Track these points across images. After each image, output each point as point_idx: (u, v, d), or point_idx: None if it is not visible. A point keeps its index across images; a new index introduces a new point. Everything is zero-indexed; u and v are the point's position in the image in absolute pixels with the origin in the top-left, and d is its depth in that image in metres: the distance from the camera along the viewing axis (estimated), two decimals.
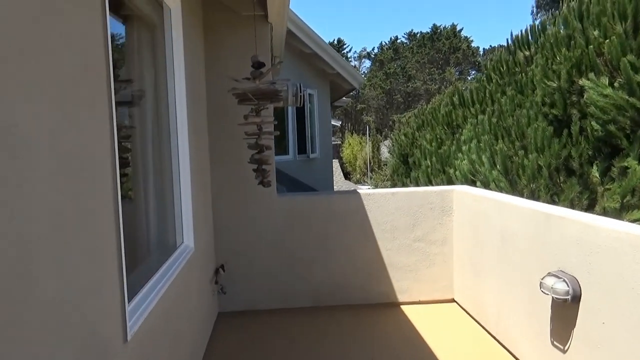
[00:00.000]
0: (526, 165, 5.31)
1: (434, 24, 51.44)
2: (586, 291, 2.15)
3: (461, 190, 3.50)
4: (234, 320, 4.15)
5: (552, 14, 7.48)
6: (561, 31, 5.81)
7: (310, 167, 10.85)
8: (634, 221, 4.29)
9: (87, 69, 1.59)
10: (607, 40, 4.76)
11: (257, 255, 4.34)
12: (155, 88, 3.00)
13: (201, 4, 4.45)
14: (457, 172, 6.37)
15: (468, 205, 3.37)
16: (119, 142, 1.91)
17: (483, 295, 3.23)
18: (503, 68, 7.70)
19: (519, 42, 7.65)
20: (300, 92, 6.18)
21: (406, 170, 10.92)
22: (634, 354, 1.88)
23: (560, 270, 2.28)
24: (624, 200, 4.37)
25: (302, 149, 10.85)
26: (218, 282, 4.51)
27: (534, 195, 5.50)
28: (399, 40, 55.50)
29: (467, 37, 52.08)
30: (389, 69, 52.23)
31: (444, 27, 51.35)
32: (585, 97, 4.81)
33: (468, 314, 3.53)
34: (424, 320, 3.53)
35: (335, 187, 21.76)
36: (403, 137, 12.15)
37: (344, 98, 13.43)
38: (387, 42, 55.74)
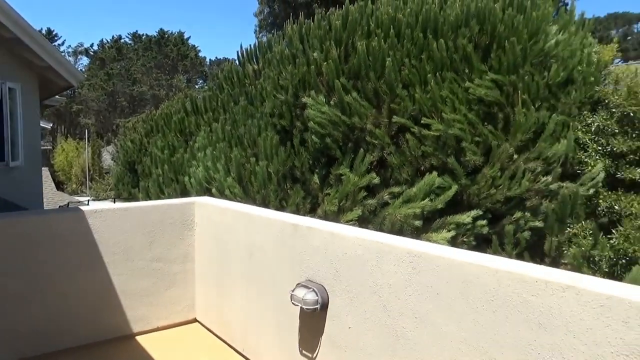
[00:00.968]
0: (257, 172, 5.49)
1: (162, 29, 50.18)
2: (333, 298, 2.23)
3: (203, 202, 3.30)
4: None
5: (275, 34, 8.08)
6: (286, 50, 6.26)
7: (11, 178, 8.87)
8: (348, 222, 4.90)
9: None
10: (325, 63, 5.33)
11: None
12: None
13: None
14: (192, 180, 6.15)
15: (211, 217, 3.19)
16: None
17: (229, 312, 3.10)
18: (234, 79, 7.90)
19: (248, 56, 7.98)
20: None
21: (133, 179, 10.10)
22: (377, 355, 2.03)
23: (309, 280, 2.33)
24: (341, 204, 4.94)
25: None
26: None
27: (265, 201, 5.74)
28: (122, 40, 51.91)
29: (194, 45, 52.63)
30: (112, 69, 48.28)
31: (172, 33, 50.63)
32: (305, 112, 5.27)
33: (213, 333, 3.34)
34: (163, 348, 3.18)
35: (45, 201, 18.63)
36: (130, 144, 11.22)
37: (57, 97, 11.57)
38: (109, 41, 51.44)
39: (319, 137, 5.41)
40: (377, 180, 4.97)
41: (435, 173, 4.61)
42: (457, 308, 1.70)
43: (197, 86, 49.05)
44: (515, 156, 5.00)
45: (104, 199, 21.42)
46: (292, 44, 6.19)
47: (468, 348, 1.67)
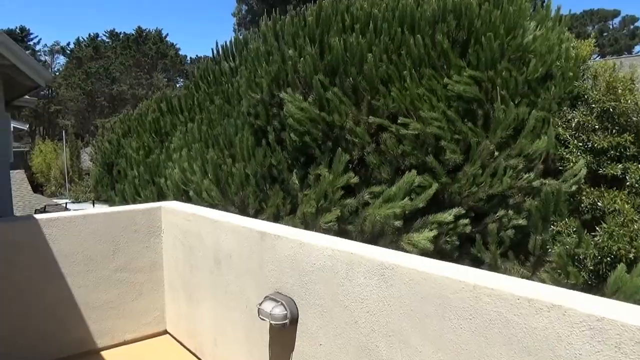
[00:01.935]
0: (235, 174, 5.31)
1: (139, 27, 49.29)
2: (303, 312, 2.08)
3: (171, 207, 3.12)
4: None
5: (253, 31, 7.88)
6: (261, 47, 6.08)
7: None
8: (327, 223, 4.76)
9: None
10: (302, 59, 5.16)
11: None
12: None
13: None
14: (168, 182, 5.94)
15: (178, 223, 3.02)
16: None
17: (198, 324, 2.93)
18: (210, 77, 7.69)
19: (225, 53, 7.77)
20: None
21: (111, 181, 9.83)
22: None
23: (278, 293, 2.17)
24: (319, 205, 4.79)
25: None
26: None
27: (244, 203, 5.57)
28: (99, 38, 50.94)
29: (173, 44, 51.92)
30: (90, 68, 47.36)
31: (150, 31, 49.83)
32: (284, 109, 5.11)
33: (183, 345, 3.17)
34: None
35: (21, 204, 18.12)
36: (107, 144, 10.93)
37: (27, 97, 11.17)
38: (86, 39, 50.42)
39: (297, 135, 5.25)
40: (355, 179, 4.83)
41: (414, 172, 4.49)
42: (433, 326, 1.56)
43: (178, 85, 48.43)
44: (496, 153, 4.90)
45: (84, 201, 20.95)
46: (266, 41, 6.01)
47: None
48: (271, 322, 2.05)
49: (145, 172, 6.43)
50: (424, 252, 4.58)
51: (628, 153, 5.41)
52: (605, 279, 4.47)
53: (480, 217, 5.03)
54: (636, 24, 51.13)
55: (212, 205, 5.62)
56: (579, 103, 5.88)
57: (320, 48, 5.53)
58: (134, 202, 6.57)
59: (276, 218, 5.45)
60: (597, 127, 5.51)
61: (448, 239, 4.75)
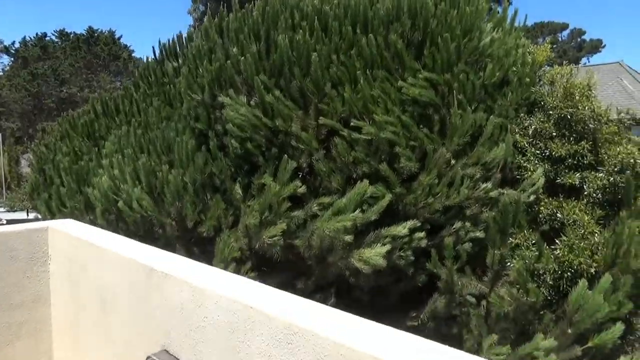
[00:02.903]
0: (170, 182, 4.77)
1: (90, 27, 47.26)
2: None
3: (58, 229, 2.58)
4: None
5: (198, 28, 7.35)
6: (203, 43, 5.58)
7: None
8: (271, 237, 4.29)
9: None
10: (243, 58, 4.71)
11: None
12: None
13: None
14: (96, 192, 5.32)
15: (64, 249, 2.48)
16: None
17: None
18: (152, 77, 7.10)
19: (167, 52, 7.20)
20: None
21: (47, 188, 9.01)
22: None
23: (165, 351, 1.70)
24: (263, 217, 4.33)
25: None
26: None
27: (181, 214, 5.03)
28: (48, 38, 48.53)
29: (127, 45, 50.14)
30: (36, 69, 44.99)
31: (102, 32, 47.92)
32: (224, 113, 4.63)
33: None
34: None
35: None
36: (44, 148, 10.05)
37: None
38: (33, 38, 47.93)
39: (239, 141, 4.78)
40: (303, 189, 4.41)
41: (366, 181, 4.10)
42: None
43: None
44: (453, 161, 4.60)
45: (21, 209, 19.48)
46: (209, 38, 5.51)
47: None
48: None
49: (73, 181, 5.78)
50: (376, 269, 4.20)
51: (585, 161, 5.24)
52: (566, 295, 4.23)
53: (436, 229, 4.70)
54: (583, 36, 53.52)
55: (144, 218, 5.06)
56: (536, 109, 5.70)
57: (266, 46, 5.09)
58: (59, 213, 5.89)
59: (217, 231, 4.94)
60: (554, 134, 5.33)
61: (402, 254, 4.40)
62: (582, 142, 5.25)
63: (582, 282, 3.85)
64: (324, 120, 4.38)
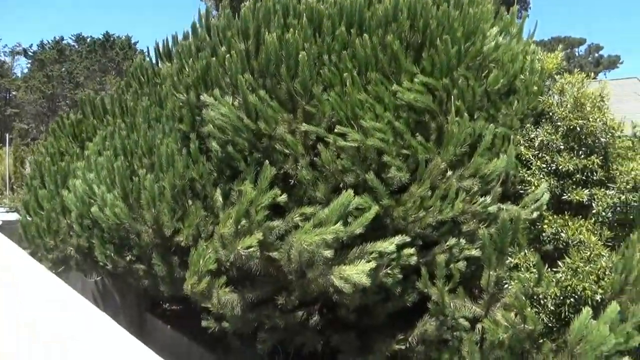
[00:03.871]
0: (147, 187, 4.49)
1: (107, 32, 47.78)
2: None
3: None
4: None
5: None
6: (192, 40, 5.33)
7: None
8: (246, 249, 3.96)
9: None
10: (228, 56, 4.43)
11: None
12: None
13: None
14: (72, 195, 5.06)
15: None
16: None
17: None
18: (144, 77, 6.86)
19: (163, 51, 6.97)
20: None
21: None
22: None
23: None
24: (239, 226, 4.00)
25: None
26: None
27: (157, 222, 4.74)
28: (65, 42, 49.16)
29: (142, 50, 50.52)
30: (52, 71, 45.52)
31: (118, 37, 48.41)
32: (204, 114, 4.34)
33: None
34: None
35: None
36: (42, 149, 9.92)
37: None
38: (50, 42, 48.58)
39: (220, 144, 4.49)
40: (284, 198, 4.08)
41: (350, 191, 3.76)
42: None
43: None
44: (449, 173, 4.25)
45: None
46: (196, 35, 5.26)
47: None
48: None
49: (52, 182, 5.54)
50: (361, 288, 3.85)
51: (595, 177, 4.85)
52: (568, 323, 3.83)
53: (428, 246, 4.35)
54: (600, 52, 52.80)
55: (118, 225, 4.78)
56: (543, 120, 5.32)
57: (256, 45, 4.81)
58: (36, 215, 5.65)
59: (197, 240, 4.64)
60: (562, 147, 4.94)
61: (390, 272, 4.04)
62: (593, 157, 4.85)
63: (586, 310, 3.46)
64: (307, 127, 4.08)
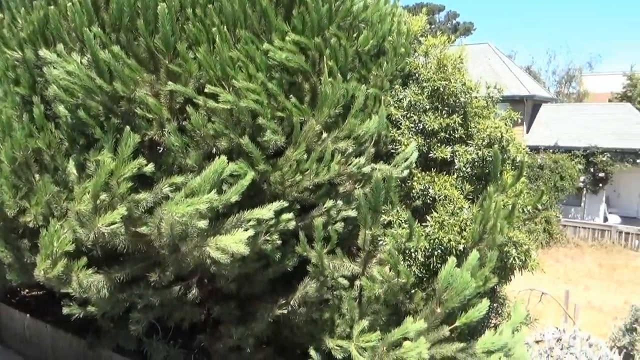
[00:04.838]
0: None
1: None
2: None
3: None
4: None
5: None
6: None
7: None
8: (109, 225, 3.55)
9: None
10: (70, 4, 3.80)
11: None
12: None
13: None
14: None
15: None
16: None
17: None
18: None
19: None
20: None
21: None
22: None
23: None
24: (98, 201, 3.56)
25: None
26: None
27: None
28: None
29: None
30: None
31: None
32: (46, 73, 3.71)
33: None
34: None
35: None
36: None
37: None
38: None
39: (69, 108, 3.90)
40: (150, 167, 3.71)
41: (224, 157, 3.53)
42: None
43: None
44: (324, 135, 4.21)
45: None
46: None
47: None
48: None
49: None
50: (237, 258, 3.69)
51: (456, 135, 5.20)
52: (436, 273, 4.11)
53: (306, 209, 4.32)
54: (457, 19, 57.22)
55: None
56: (410, 81, 5.54)
57: None
58: None
59: (47, 219, 4.05)
60: (428, 107, 5.20)
61: (268, 239, 3.94)
62: (454, 116, 5.19)
63: (451, 260, 3.72)
64: (173, 86, 3.70)
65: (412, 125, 5.15)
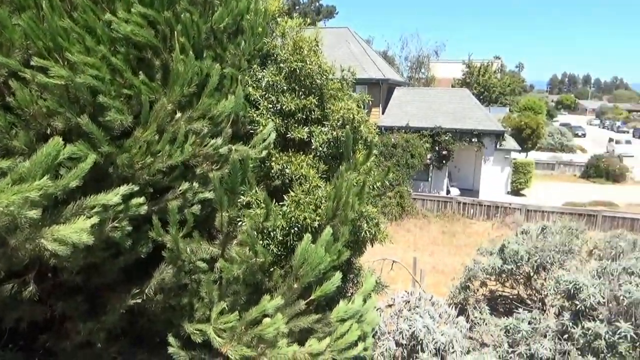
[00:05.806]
0: None
1: None
2: None
3: None
4: None
5: None
6: None
7: None
8: None
9: None
10: None
11: None
12: None
13: None
14: None
15: None
16: None
17: None
18: None
19: None
20: None
21: None
22: None
23: None
24: None
25: None
26: None
27: None
28: None
29: None
30: None
31: None
32: None
33: None
34: None
35: None
36: None
37: None
38: None
39: None
40: None
41: (58, 139, 3.18)
42: None
43: None
44: (177, 115, 4.03)
45: None
46: None
47: None
48: None
49: None
50: (80, 248, 3.39)
51: (313, 116, 5.37)
52: (293, 250, 4.24)
53: (160, 192, 4.12)
54: (320, 1, 58.65)
55: None
56: (269, 62, 5.55)
57: None
58: None
59: None
60: (285, 88, 5.27)
61: (117, 225, 3.68)
62: (311, 97, 5.34)
63: (307, 236, 3.86)
64: None
65: (271, 105, 5.19)
